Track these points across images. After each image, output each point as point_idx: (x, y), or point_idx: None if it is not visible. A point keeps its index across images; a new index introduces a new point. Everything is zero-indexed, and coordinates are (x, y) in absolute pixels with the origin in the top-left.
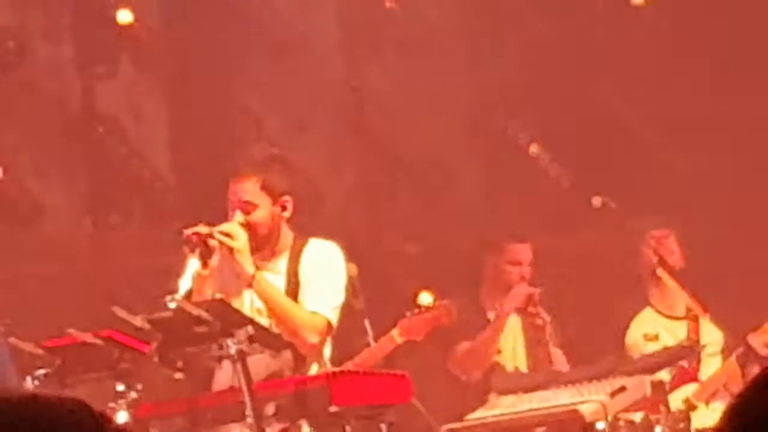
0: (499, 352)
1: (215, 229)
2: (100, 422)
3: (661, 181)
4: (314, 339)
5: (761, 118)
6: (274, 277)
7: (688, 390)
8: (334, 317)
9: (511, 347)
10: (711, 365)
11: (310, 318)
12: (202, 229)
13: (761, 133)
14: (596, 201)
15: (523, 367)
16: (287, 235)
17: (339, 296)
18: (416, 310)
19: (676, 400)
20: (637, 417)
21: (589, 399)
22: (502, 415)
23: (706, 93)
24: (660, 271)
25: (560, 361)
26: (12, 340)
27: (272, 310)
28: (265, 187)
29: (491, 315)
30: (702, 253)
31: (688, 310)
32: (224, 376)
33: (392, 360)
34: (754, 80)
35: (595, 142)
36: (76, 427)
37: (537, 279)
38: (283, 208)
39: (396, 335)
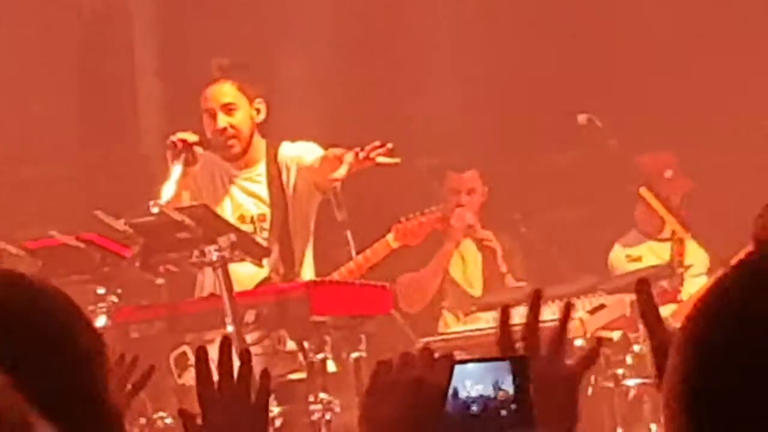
0: (440, 286)
1: None
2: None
3: (649, 103)
4: None
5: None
6: (254, 185)
7: (668, 310)
8: None
9: (461, 272)
10: (694, 286)
11: None
12: (189, 136)
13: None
14: (582, 118)
15: (477, 292)
16: (260, 142)
17: None
18: (411, 215)
19: None
20: (616, 335)
21: None
22: (479, 329)
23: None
24: (644, 191)
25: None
26: None
27: None
28: (241, 89)
29: None
30: (692, 177)
31: (674, 232)
32: (207, 282)
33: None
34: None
35: (581, 61)
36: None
37: (485, 207)
38: (258, 111)
39: (391, 240)
